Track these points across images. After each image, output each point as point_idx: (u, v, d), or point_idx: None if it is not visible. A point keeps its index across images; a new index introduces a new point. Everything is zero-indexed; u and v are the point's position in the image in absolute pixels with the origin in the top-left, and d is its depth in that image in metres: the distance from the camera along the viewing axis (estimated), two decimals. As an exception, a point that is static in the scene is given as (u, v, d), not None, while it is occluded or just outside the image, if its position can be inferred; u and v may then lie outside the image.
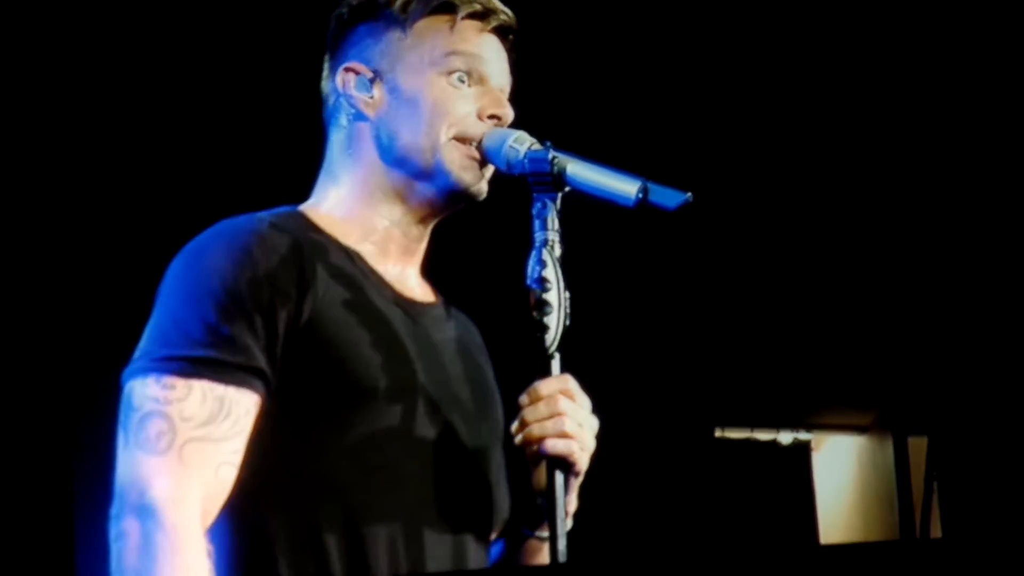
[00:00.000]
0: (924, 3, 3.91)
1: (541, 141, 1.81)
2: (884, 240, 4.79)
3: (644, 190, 1.73)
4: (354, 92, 1.88)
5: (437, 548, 1.75)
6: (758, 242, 4.74)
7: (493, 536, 1.87)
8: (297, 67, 2.17)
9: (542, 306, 1.74)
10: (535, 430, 1.72)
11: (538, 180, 1.77)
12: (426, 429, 1.77)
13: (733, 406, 5.54)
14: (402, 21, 1.87)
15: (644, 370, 4.92)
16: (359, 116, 1.88)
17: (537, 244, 1.75)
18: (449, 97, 1.85)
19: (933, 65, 4.13)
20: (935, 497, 5.67)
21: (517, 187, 1.81)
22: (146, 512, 1.65)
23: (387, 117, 1.86)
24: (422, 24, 1.87)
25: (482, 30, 1.88)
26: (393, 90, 1.86)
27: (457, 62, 1.85)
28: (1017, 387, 5.08)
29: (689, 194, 1.73)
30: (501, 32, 1.90)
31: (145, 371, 1.71)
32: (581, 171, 1.76)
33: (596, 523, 1.91)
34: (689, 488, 5.11)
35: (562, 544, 1.71)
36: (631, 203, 1.74)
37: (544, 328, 1.74)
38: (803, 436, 6.06)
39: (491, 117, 1.85)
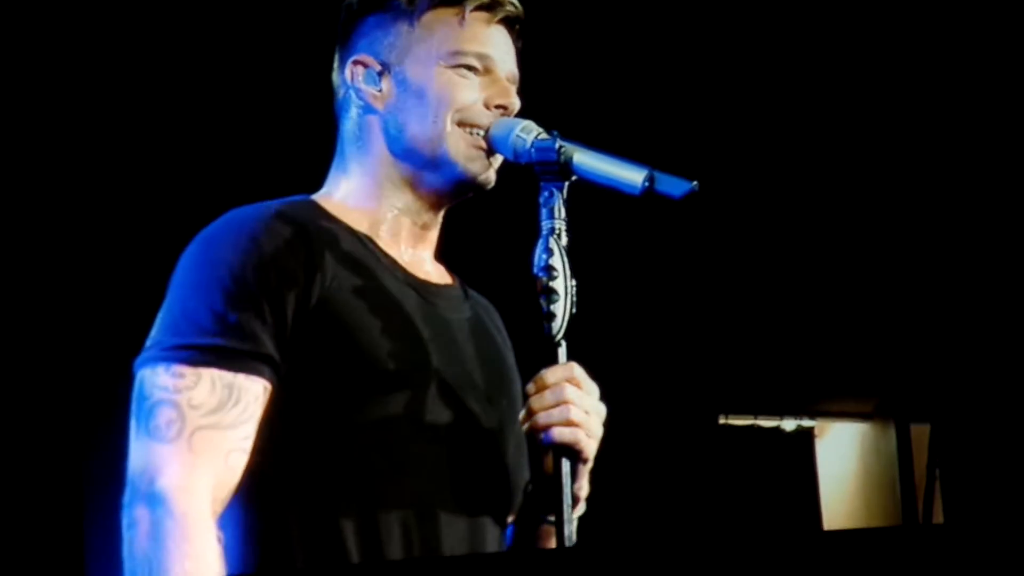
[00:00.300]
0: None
1: (548, 130, 1.81)
2: (887, 229, 4.79)
3: (650, 179, 1.74)
4: (363, 85, 1.89)
5: (453, 530, 1.76)
6: (762, 231, 4.75)
7: (511, 518, 1.88)
8: (310, 56, 2.17)
9: (549, 294, 1.74)
10: (541, 418, 1.73)
11: (545, 169, 1.78)
12: (440, 410, 1.78)
13: (737, 393, 5.55)
14: (410, 13, 1.88)
15: (649, 358, 4.93)
16: (368, 109, 1.89)
17: (544, 233, 1.76)
18: (456, 86, 1.86)
19: (934, 55, 4.13)
20: (937, 484, 5.67)
21: (524, 176, 1.81)
22: (156, 500, 1.66)
23: (395, 110, 1.87)
24: (430, 16, 1.88)
25: (489, 21, 1.89)
26: (401, 83, 1.87)
27: (465, 57, 1.86)
28: (1018, 374, 5.09)
29: (695, 183, 1.73)
30: (508, 23, 1.91)
31: (155, 360, 1.72)
32: (587, 160, 1.77)
33: (602, 509, 1.91)
34: (694, 474, 5.12)
35: (569, 529, 1.71)
36: (637, 192, 1.74)
37: (551, 316, 1.74)
38: (807, 423, 6.07)
39: (498, 107, 1.86)
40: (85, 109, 3.65)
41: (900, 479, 5.99)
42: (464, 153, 1.85)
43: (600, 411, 1.77)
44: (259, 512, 1.72)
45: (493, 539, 1.81)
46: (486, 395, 1.84)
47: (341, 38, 1.93)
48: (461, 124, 1.85)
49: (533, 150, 1.79)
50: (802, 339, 5.23)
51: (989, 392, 5.25)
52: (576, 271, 1.76)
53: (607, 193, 1.77)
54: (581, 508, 1.82)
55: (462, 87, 1.86)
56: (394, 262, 1.85)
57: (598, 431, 1.76)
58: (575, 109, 2.87)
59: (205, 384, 1.70)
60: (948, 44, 4.08)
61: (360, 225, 1.86)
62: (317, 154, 1.97)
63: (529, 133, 1.81)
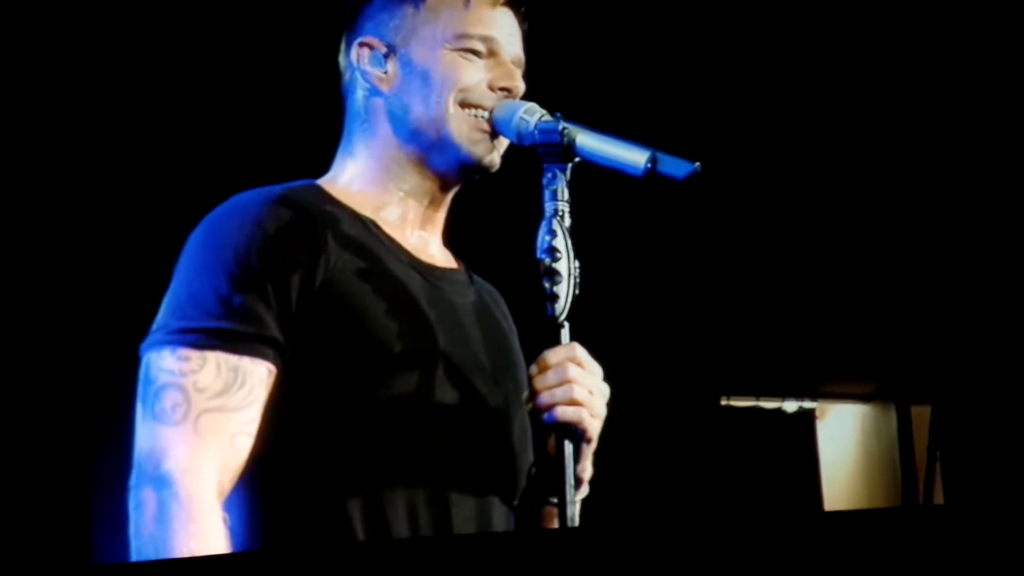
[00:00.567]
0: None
1: (551, 112, 1.82)
2: (888, 210, 4.79)
3: (653, 160, 1.74)
4: (368, 67, 1.89)
5: (460, 510, 1.76)
6: (764, 213, 4.74)
7: (515, 501, 1.88)
8: (319, 40, 2.17)
9: (552, 276, 1.75)
10: (544, 398, 1.73)
11: (548, 151, 1.78)
12: (446, 391, 1.78)
13: (739, 375, 5.55)
14: (416, -5, 1.89)
15: (651, 339, 4.93)
16: (374, 91, 1.89)
17: (547, 214, 1.76)
18: (460, 68, 1.86)
19: (936, 43, 4.12)
20: (938, 465, 5.68)
21: (528, 158, 1.82)
22: (162, 482, 1.67)
23: (400, 92, 1.88)
24: (436, -2, 1.89)
25: (495, 4, 1.89)
26: (406, 65, 1.88)
27: (470, 40, 1.87)
28: (1020, 356, 5.09)
29: (698, 164, 1.73)
30: (514, 5, 1.91)
31: (161, 344, 1.73)
32: (591, 142, 1.78)
33: (604, 491, 1.92)
34: (695, 456, 5.13)
35: (571, 511, 1.72)
36: (640, 173, 1.75)
37: (554, 298, 1.75)
38: (808, 405, 6.07)
39: (502, 89, 1.86)
40: (91, 92, 3.64)
41: (901, 461, 6.00)
42: (467, 135, 1.85)
43: (604, 391, 1.78)
44: (265, 494, 1.73)
45: (501, 519, 1.81)
46: (492, 377, 1.85)
47: (348, 21, 1.93)
48: (464, 105, 1.85)
49: (536, 132, 1.79)
50: (803, 321, 5.23)
51: (990, 374, 5.25)
52: (579, 252, 1.77)
53: (610, 174, 1.77)
54: (585, 490, 1.82)
55: (466, 69, 1.86)
56: (398, 245, 1.86)
57: (602, 411, 1.77)
58: (579, 91, 2.87)
59: (211, 367, 1.71)
60: (954, 26, 4.07)
61: (364, 209, 1.86)
62: (325, 139, 1.98)
63: (532, 115, 1.82)
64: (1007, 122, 4.42)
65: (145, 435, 1.71)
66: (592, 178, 1.79)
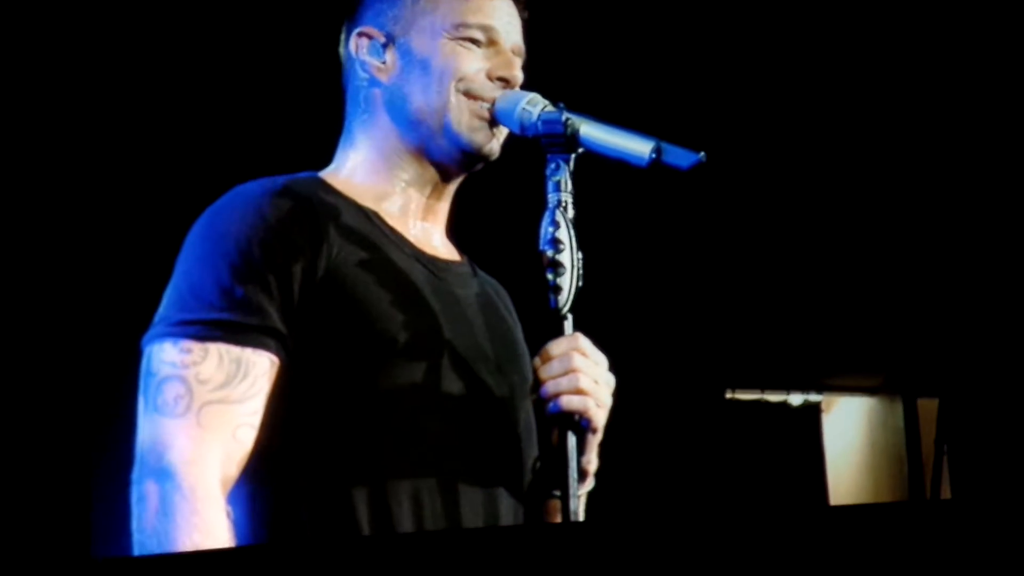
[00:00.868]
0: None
1: (554, 103, 1.81)
2: (895, 203, 4.78)
3: (657, 150, 1.73)
4: (367, 57, 1.89)
5: (466, 501, 1.75)
6: (770, 206, 4.74)
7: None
8: (320, 32, 2.17)
9: (555, 267, 1.74)
10: (549, 387, 1.73)
11: (551, 142, 1.78)
12: (450, 382, 1.78)
13: (744, 367, 5.55)
14: (415, -16, 1.88)
15: (656, 332, 4.93)
16: (373, 82, 1.89)
17: (550, 205, 1.76)
18: (459, 57, 1.86)
19: (940, 33, 4.11)
20: (945, 459, 5.67)
21: (530, 149, 1.81)
22: (165, 474, 1.66)
23: (400, 82, 1.87)
24: (434, -13, 1.88)
25: (495, -7, 1.89)
26: (405, 54, 1.87)
27: (469, 29, 1.86)
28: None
29: (702, 154, 1.72)
30: (514, -7, 1.91)
31: (162, 336, 1.72)
32: (594, 132, 1.77)
33: (609, 483, 1.91)
34: (700, 449, 5.13)
35: (574, 504, 1.71)
36: (644, 163, 1.74)
37: (557, 289, 1.74)
38: (813, 398, 6.07)
39: (500, 79, 1.86)
40: (92, 86, 3.64)
41: (907, 454, 5.99)
42: (467, 124, 1.85)
43: (609, 381, 1.77)
44: (269, 486, 1.73)
45: (507, 510, 1.80)
46: (497, 368, 1.84)
47: (347, 11, 1.93)
48: (465, 94, 1.85)
49: (540, 122, 1.79)
50: (809, 313, 5.23)
51: (997, 367, 5.24)
52: (582, 244, 1.76)
53: (614, 165, 1.76)
54: (590, 483, 1.82)
55: (466, 58, 1.86)
56: (401, 236, 1.86)
57: (607, 401, 1.76)
58: (582, 81, 2.86)
59: (213, 359, 1.70)
60: (958, 23, 4.06)
61: (366, 200, 1.86)
62: (326, 132, 1.97)
63: (535, 106, 1.81)
64: (1011, 117, 4.41)
65: (147, 428, 1.70)
66: (596, 169, 1.78)
